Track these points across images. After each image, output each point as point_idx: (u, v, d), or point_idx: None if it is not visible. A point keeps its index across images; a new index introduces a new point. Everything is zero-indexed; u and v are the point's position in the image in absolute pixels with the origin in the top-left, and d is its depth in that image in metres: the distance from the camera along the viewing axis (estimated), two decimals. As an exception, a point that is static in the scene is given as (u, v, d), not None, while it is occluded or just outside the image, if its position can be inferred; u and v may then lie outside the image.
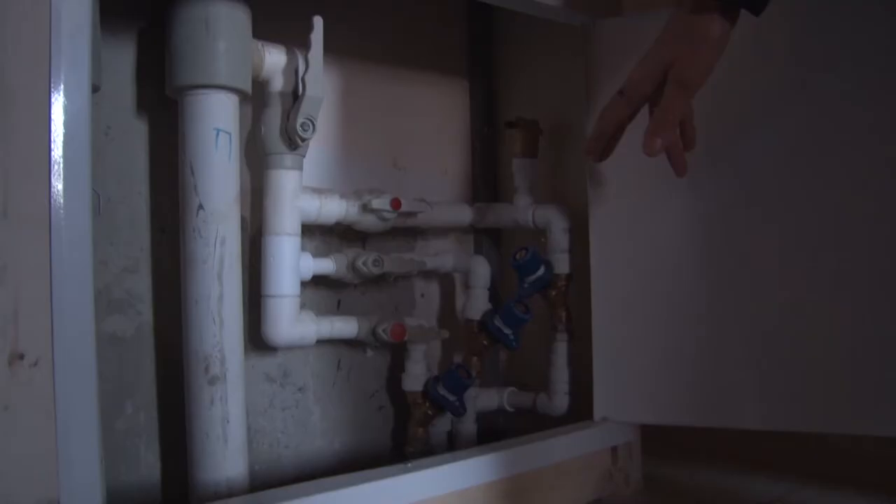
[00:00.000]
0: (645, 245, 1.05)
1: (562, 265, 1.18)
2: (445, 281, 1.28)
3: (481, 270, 1.18)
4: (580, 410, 1.17)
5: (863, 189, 0.90)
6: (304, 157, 0.98)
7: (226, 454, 0.89)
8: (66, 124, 0.62)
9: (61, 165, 0.62)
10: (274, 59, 0.93)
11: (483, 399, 1.24)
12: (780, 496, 1.10)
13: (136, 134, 0.95)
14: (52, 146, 0.61)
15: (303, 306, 1.02)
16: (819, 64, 0.92)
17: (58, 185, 0.62)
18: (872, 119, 0.89)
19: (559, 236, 1.18)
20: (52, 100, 0.62)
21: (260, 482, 0.99)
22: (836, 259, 0.91)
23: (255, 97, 0.94)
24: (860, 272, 0.90)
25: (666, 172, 0.96)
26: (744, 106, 0.97)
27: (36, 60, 0.61)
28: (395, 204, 1.05)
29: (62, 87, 0.62)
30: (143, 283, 0.95)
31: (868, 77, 0.90)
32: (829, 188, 0.91)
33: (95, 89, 0.87)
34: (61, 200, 0.62)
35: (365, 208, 1.05)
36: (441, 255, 1.19)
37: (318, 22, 0.92)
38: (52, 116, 0.62)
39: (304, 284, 1.01)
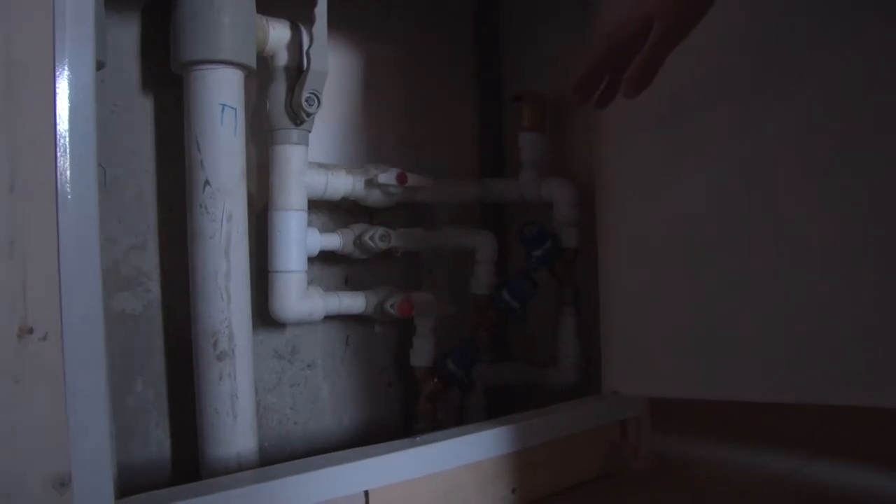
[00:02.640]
0: (652, 218, 1.05)
1: (569, 239, 1.18)
2: (453, 256, 1.27)
3: (488, 245, 1.17)
4: (589, 384, 1.17)
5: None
6: (309, 132, 0.98)
7: (235, 430, 0.90)
8: (72, 99, 0.62)
9: (67, 140, 0.62)
10: (278, 33, 0.93)
11: (492, 374, 1.24)
12: (793, 470, 1.10)
13: (142, 111, 0.94)
14: (58, 121, 0.61)
15: (311, 282, 1.02)
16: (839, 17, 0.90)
17: (64, 159, 0.62)
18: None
19: (566, 210, 1.18)
20: (57, 74, 0.61)
21: (270, 458, 0.99)
22: (853, 228, 0.90)
23: (260, 72, 0.94)
24: (882, 242, 0.88)
25: (674, 146, 0.96)
26: (758, 72, 0.96)
27: (40, 35, 0.61)
28: (401, 179, 1.05)
29: (67, 61, 0.62)
30: (151, 260, 0.95)
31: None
32: (854, 157, 0.90)
33: (101, 66, 0.87)
34: (68, 175, 0.61)
35: (371, 183, 1.05)
36: (448, 230, 1.19)
37: (322, -5, 0.92)
38: (58, 91, 0.61)
39: (311, 260, 1.01)
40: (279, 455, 1.05)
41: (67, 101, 0.62)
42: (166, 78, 0.92)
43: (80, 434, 0.61)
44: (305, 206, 0.98)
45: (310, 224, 1.00)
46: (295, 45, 0.94)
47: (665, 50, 0.85)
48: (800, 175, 0.92)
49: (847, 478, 1.07)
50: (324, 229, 1.05)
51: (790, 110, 0.92)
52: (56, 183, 0.61)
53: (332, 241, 1.04)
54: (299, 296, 0.98)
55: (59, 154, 0.61)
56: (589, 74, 0.92)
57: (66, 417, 0.61)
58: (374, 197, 1.07)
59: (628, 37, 0.87)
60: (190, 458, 0.93)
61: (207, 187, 0.87)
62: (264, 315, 0.99)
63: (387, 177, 1.04)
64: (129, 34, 0.93)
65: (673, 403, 1.11)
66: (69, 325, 0.61)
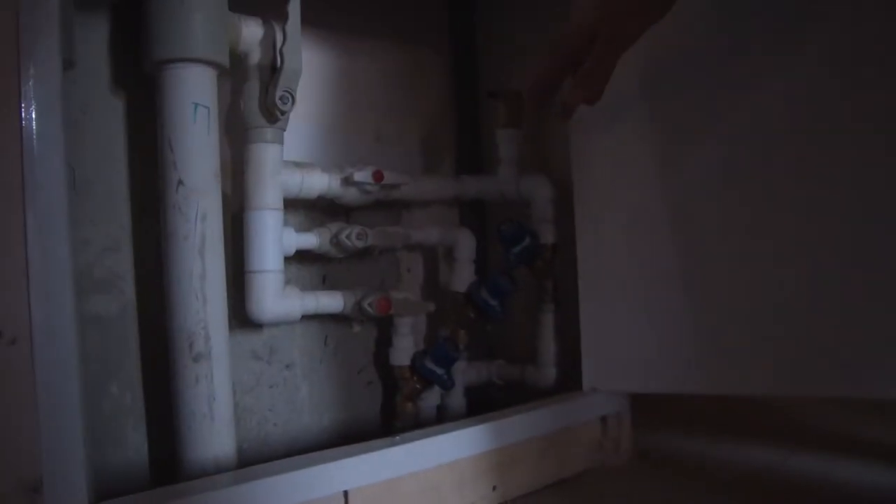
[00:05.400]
0: (630, 213, 1.05)
1: (547, 235, 1.17)
2: (431, 254, 1.27)
3: (467, 242, 1.17)
4: (569, 381, 1.17)
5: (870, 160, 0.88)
6: (284, 130, 0.97)
7: (212, 432, 0.89)
8: (38, 99, 0.61)
9: (34, 141, 0.61)
10: (251, 31, 0.92)
11: (471, 372, 1.24)
12: (773, 463, 1.11)
13: (113, 111, 0.93)
14: (24, 122, 0.61)
15: (288, 282, 1.01)
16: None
17: (31, 161, 0.61)
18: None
19: (544, 206, 1.17)
20: (23, 75, 0.61)
21: (249, 460, 0.98)
22: (830, 221, 0.90)
23: (233, 71, 0.93)
24: (858, 233, 0.88)
25: (653, 142, 0.95)
26: (732, 71, 0.95)
27: (5, 35, 0.60)
28: (378, 176, 1.05)
29: (32, 61, 0.61)
30: (125, 262, 0.94)
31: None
32: (829, 155, 0.89)
33: (70, 65, 0.86)
34: (35, 177, 0.61)
35: (347, 181, 1.04)
36: (426, 227, 1.18)
37: (295, -7, 0.91)
38: (23, 92, 0.61)
39: (288, 260, 1.01)
40: (258, 456, 1.04)
41: (33, 101, 0.61)
42: (138, 77, 0.91)
43: (51, 439, 0.61)
44: (281, 206, 0.97)
45: (286, 223, 1.00)
46: (268, 42, 0.93)
47: (609, 61, 0.87)
48: (786, 168, 0.92)
49: (829, 470, 1.07)
50: (300, 228, 1.04)
51: (779, 104, 0.92)
52: (23, 185, 0.60)
53: (309, 240, 1.03)
54: (276, 296, 0.97)
55: (25, 155, 0.61)
56: (540, 82, 0.94)
57: (36, 422, 0.60)
58: (351, 195, 1.06)
59: (572, 48, 0.88)
60: (168, 461, 0.92)
61: (181, 187, 0.86)
62: (241, 316, 0.98)
63: (363, 175, 1.04)
64: (99, 33, 0.92)
65: (655, 399, 1.11)
66: (38, 329, 0.60)
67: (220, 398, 0.89)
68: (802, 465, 1.10)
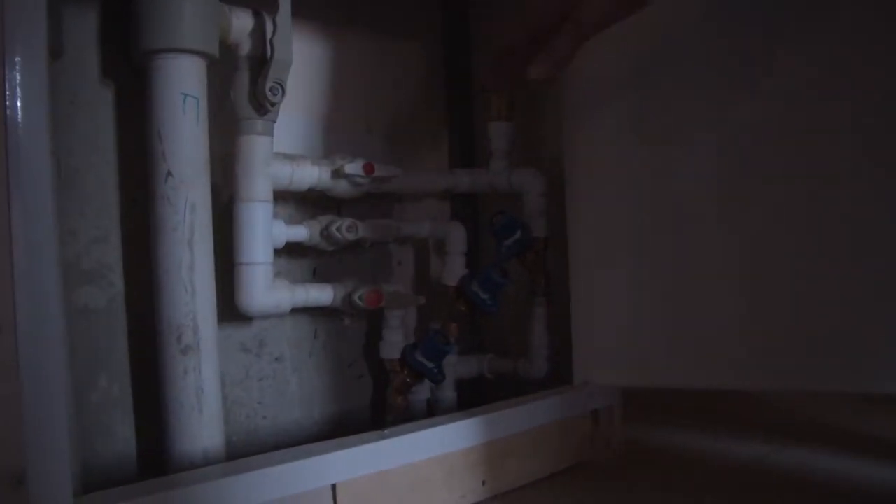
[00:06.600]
0: (623, 207, 1.04)
1: (539, 229, 1.17)
2: (422, 247, 1.27)
3: (458, 235, 1.16)
4: (561, 375, 1.16)
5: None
6: (274, 122, 0.96)
7: (201, 425, 0.88)
8: (24, 88, 0.61)
9: (19, 132, 0.61)
10: (241, 21, 0.91)
11: (463, 366, 1.24)
12: (764, 456, 1.11)
13: (102, 101, 0.93)
14: (8, 112, 0.60)
15: (278, 274, 1.00)
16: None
17: (17, 152, 0.60)
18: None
19: (536, 200, 1.17)
20: (7, 63, 0.60)
21: (238, 453, 0.98)
22: (824, 211, 0.89)
23: (223, 62, 0.93)
24: (853, 225, 0.88)
25: (644, 134, 0.95)
26: (730, 67, 0.95)
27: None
28: (368, 169, 1.04)
29: (18, 49, 0.61)
30: (114, 254, 0.94)
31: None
32: (828, 151, 0.88)
33: (58, 55, 0.86)
34: (19, 167, 0.60)
35: (338, 174, 1.03)
36: (417, 220, 1.18)
37: (285, -17, 0.91)
38: (8, 80, 0.60)
39: (278, 252, 1.00)
40: (247, 450, 1.03)
41: (19, 90, 0.61)
42: (127, 67, 0.91)
43: (35, 430, 0.60)
44: (271, 197, 0.97)
45: (278, 216, 0.99)
46: (258, 33, 0.92)
47: (580, 40, 0.80)
48: (783, 164, 0.91)
49: (821, 464, 1.07)
50: (290, 221, 1.03)
51: (777, 100, 0.91)
52: (7, 175, 0.59)
53: (299, 232, 1.02)
54: (265, 288, 0.96)
55: (10, 146, 0.60)
56: (504, 57, 0.87)
57: (20, 413, 0.60)
58: (342, 188, 1.05)
59: (542, 23, 0.81)
60: (156, 453, 0.91)
61: (170, 178, 0.85)
62: (231, 308, 0.97)
63: (353, 167, 1.03)
64: (87, 22, 0.92)
65: (646, 393, 1.10)
66: (23, 319, 0.60)
67: (208, 390, 0.89)
68: (793, 459, 1.10)
